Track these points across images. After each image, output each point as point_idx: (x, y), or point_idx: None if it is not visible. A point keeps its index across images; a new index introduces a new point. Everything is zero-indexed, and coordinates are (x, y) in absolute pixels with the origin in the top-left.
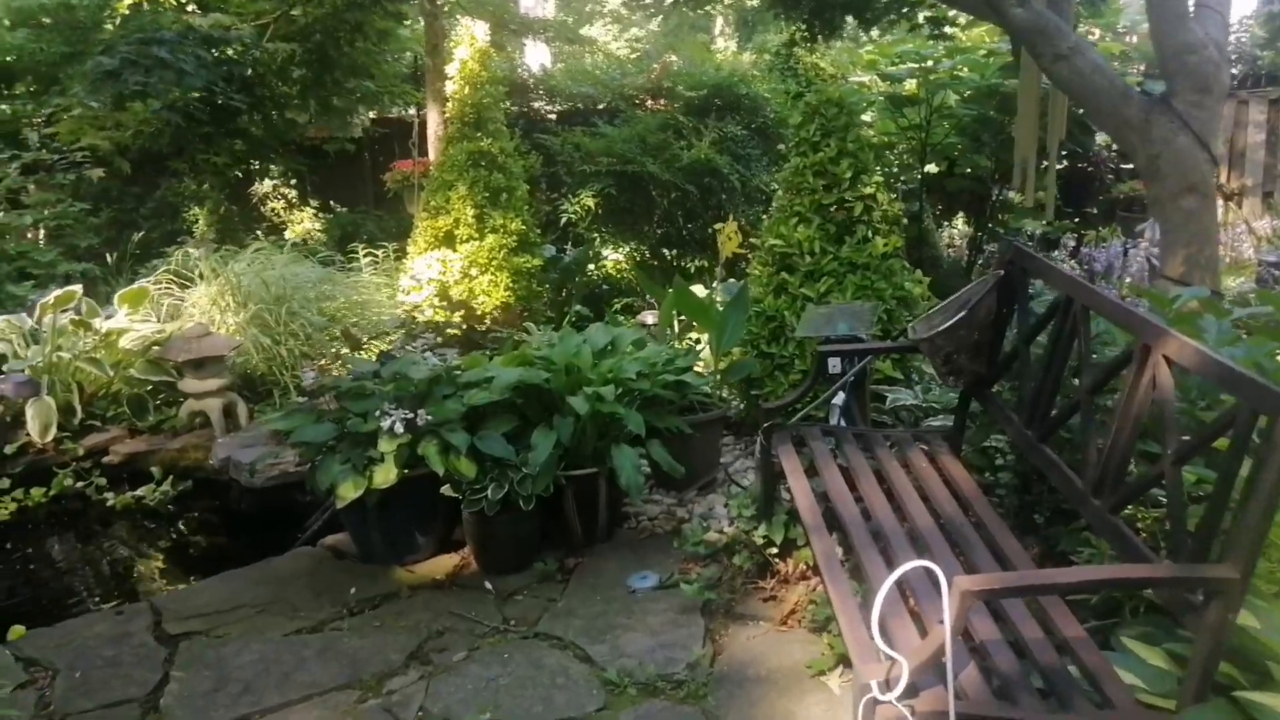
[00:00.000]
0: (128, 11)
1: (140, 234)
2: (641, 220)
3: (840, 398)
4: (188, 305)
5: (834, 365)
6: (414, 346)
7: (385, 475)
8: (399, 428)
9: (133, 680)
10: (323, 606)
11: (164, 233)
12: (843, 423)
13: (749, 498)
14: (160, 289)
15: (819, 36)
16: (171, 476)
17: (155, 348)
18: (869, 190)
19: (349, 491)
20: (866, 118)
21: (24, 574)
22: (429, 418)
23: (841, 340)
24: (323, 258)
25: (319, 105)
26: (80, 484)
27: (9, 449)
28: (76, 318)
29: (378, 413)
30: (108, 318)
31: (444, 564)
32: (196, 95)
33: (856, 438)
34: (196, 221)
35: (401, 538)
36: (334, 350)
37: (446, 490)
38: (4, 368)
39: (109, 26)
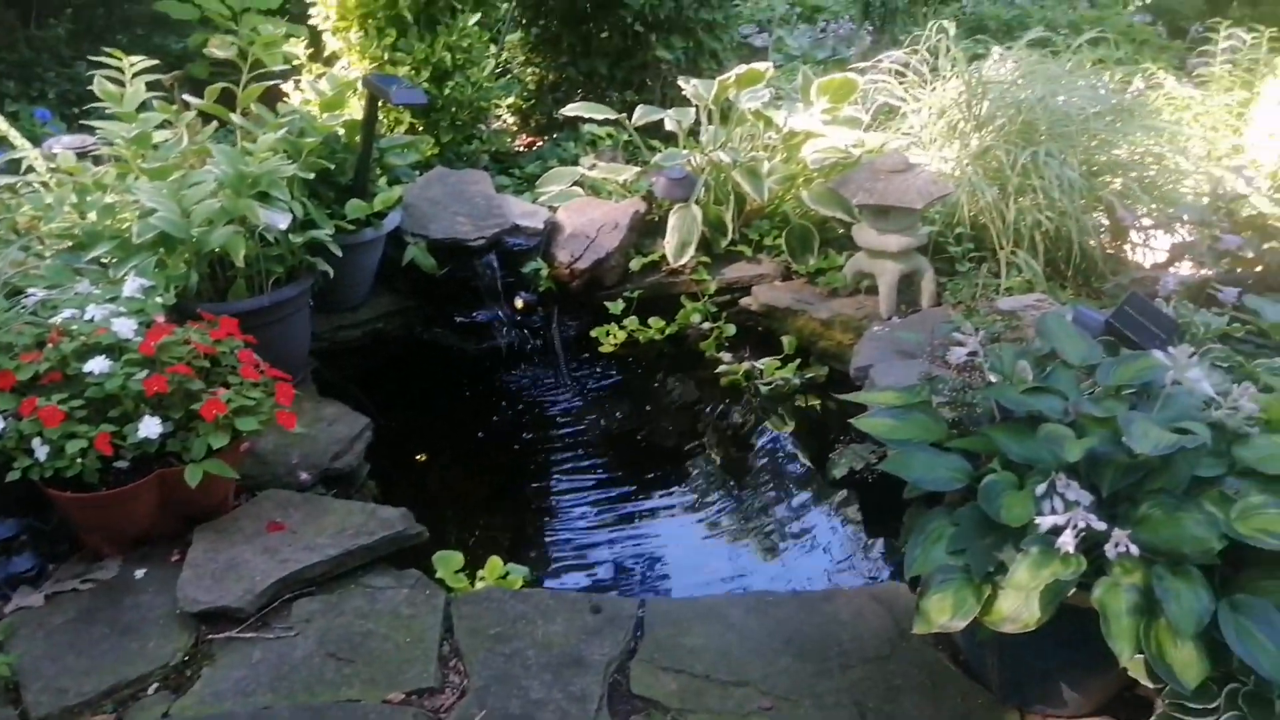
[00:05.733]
0: None
1: None
2: None
3: None
4: (909, 110)
5: None
6: (1200, 277)
7: (1014, 612)
8: (1068, 544)
9: None
10: None
11: None
12: None
13: None
14: (877, 82)
15: None
16: (802, 359)
17: (841, 171)
18: None
19: (941, 613)
20: None
21: (603, 426)
22: (1131, 545)
23: None
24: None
25: None
26: (707, 326)
27: (636, 264)
28: (759, 107)
29: (1041, 488)
30: (803, 113)
31: None
32: None
33: None
34: None
35: (1035, 682)
36: (1091, 223)
37: (1126, 662)
38: (659, 158)
39: None
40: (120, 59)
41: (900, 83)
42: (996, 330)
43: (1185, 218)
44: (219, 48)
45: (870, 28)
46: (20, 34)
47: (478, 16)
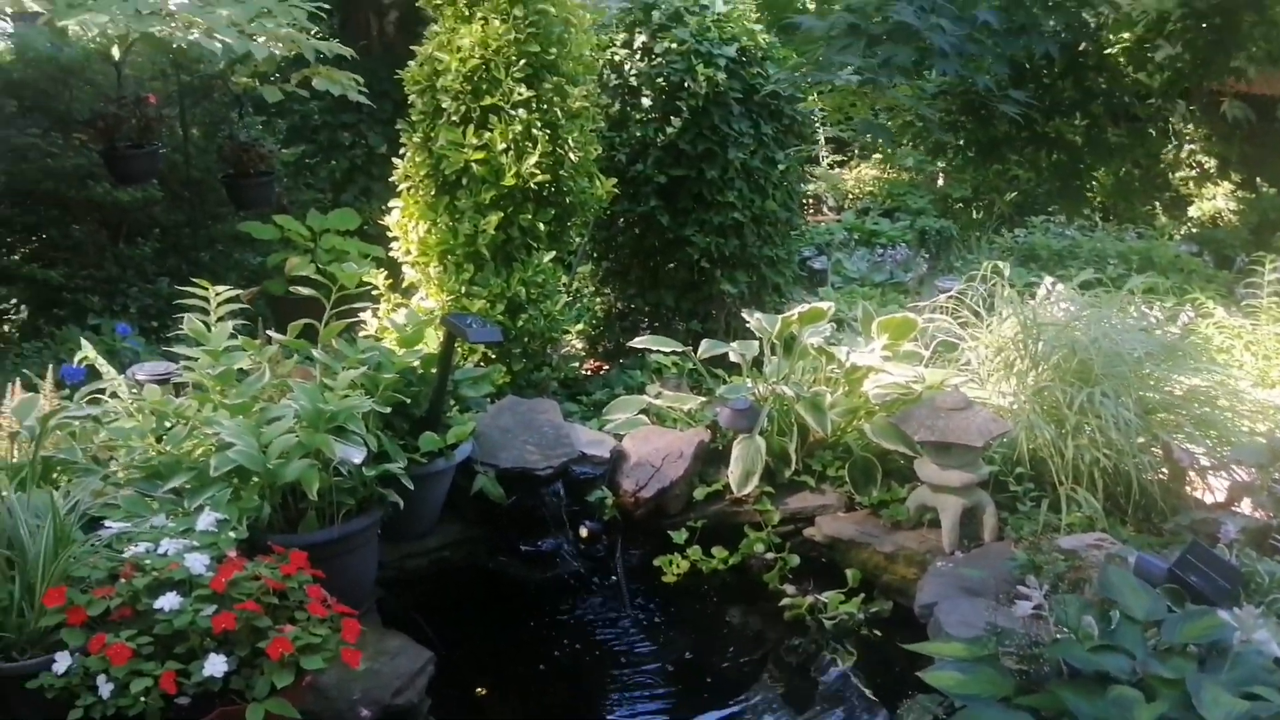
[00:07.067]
0: None
1: (1012, 194)
2: None
3: None
4: (967, 346)
5: None
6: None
7: None
8: None
9: None
10: None
11: (1054, 189)
12: None
13: None
14: (934, 319)
15: None
16: (866, 593)
17: (902, 406)
18: None
19: None
20: None
21: (667, 659)
22: None
23: None
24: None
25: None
26: (770, 556)
27: (700, 492)
28: (821, 343)
29: None
30: (864, 349)
31: None
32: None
33: None
34: (1090, 181)
35: None
36: (1149, 460)
37: None
38: (724, 389)
39: None
40: (207, 289)
41: (956, 319)
42: (1059, 570)
43: (1241, 460)
44: (297, 268)
45: (926, 254)
46: (109, 251)
47: (552, 254)
